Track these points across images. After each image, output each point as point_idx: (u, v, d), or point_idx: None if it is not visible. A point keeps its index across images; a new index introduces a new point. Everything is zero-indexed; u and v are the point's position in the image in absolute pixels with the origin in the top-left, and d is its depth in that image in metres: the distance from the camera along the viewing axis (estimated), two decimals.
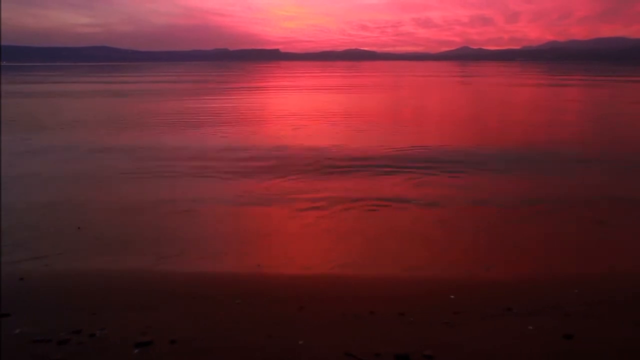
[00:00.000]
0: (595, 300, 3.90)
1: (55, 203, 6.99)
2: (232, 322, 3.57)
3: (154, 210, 6.65)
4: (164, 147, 11.31)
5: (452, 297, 4.00)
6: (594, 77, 50.54)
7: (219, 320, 3.63)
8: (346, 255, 5.12)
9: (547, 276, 4.49)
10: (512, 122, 16.02)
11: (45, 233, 5.78)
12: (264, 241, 5.54)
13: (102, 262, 4.92)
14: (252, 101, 24.35)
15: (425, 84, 38.22)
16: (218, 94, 28.93)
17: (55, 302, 3.97)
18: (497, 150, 10.38)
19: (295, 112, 18.65)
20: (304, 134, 13.22)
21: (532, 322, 3.50)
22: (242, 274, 4.54)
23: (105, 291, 4.18)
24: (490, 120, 16.44)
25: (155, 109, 20.25)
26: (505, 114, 18.53)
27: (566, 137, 12.60)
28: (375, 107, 20.40)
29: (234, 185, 7.86)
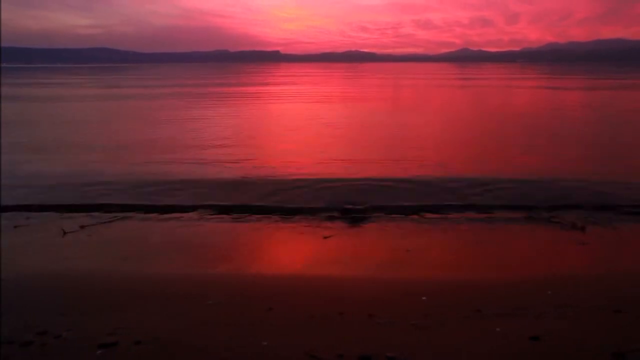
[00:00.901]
0: (566, 302, 3.88)
1: (45, 206, 6.99)
2: (199, 323, 3.56)
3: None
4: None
5: (423, 298, 3.99)
6: (604, 79, 49.05)
7: (188, 321, 3.62)
8: (321, 255, 5.12)
9: (520, 277, 4.47)
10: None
11: (30, 236, 5.79)
12: (237, 243, 5.56)
13: (77, 263, 4.92)
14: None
15: (427, 91, 36.05)
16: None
17: (25, 304, 3.96)
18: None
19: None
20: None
21: (500, 324, 3.49)
22: (216, 275, 4.53)
23: (76, 292, 4.17)
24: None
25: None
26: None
27: None
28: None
29: (203, 190, 7.82)
